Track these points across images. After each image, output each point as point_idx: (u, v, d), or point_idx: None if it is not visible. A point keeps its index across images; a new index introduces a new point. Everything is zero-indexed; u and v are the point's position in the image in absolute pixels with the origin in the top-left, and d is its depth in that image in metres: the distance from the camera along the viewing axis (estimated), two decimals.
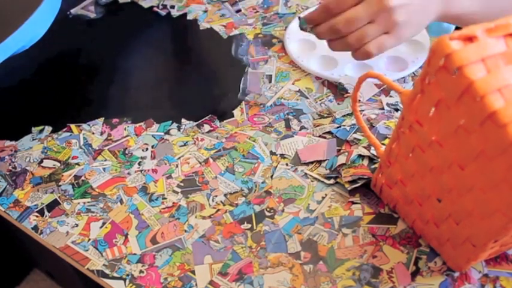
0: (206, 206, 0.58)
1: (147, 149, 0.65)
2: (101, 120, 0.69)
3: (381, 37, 0.60)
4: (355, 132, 0.63)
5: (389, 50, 0.62)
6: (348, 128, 0.64)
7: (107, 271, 0.53)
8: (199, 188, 0.60)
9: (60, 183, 0.62)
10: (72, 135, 0.67)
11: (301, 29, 0.65)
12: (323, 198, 0.58)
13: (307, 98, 0.69)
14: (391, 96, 0.68)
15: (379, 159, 0.58)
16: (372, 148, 0.60)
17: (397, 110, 0.66)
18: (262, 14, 0.84)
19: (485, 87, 0.37)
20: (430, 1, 0.60)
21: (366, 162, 0.60)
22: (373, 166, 0.59)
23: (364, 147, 0.61)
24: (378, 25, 0.59)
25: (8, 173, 0.63)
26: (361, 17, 0.58)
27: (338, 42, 0.62)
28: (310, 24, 0.64)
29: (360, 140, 0.62)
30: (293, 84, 0.72)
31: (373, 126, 0.63)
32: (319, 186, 0.59)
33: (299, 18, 0.65)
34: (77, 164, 0.64)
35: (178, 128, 0.67)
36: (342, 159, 0.60)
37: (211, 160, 0.63)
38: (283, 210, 0.57)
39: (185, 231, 0.56)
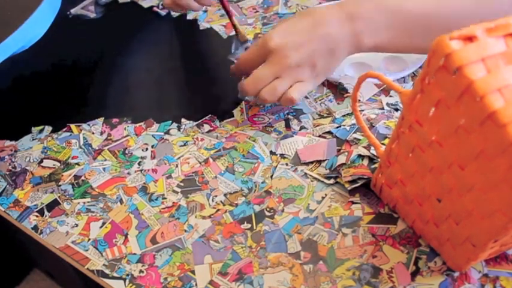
0: (206, 206, 0.58)
1: (147, 149, 0.65)
2: (100, 120, 0.69)
3: (298, 84, 0.61)
4: (355, 132, 0.63)
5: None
6: (347, 128, 0.64)
7: (107, 271, 0.53)
8: (199, 187, 0.60)
9: (60, 183, 0.62)
10: (72, 135, 0.67)
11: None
12: (323, 198, 0.58)
13: (307, 98, 0.69)
14: (391, 96, 0.68)
15: (379, 159, 0.58)
16: (372, 148, 0.60)
17: (397, 110, 0.66)
18: (262, 14, 0.84)
19: (485, 87, 0.37)
20: (335, 48, 0.61)
21: (365, 162, 0.59)
22: (373, 166, 0.59)
23: (364, 147, 0.61)
24: (286, 79, 0.61)
25: (8, 173, 0.63)
26: (265, 76, 0.61)
27: (258, 99, 0.64)
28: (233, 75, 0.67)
29: (359, 139, 0.62)
30: None
31: (373, 126, 0.63)
32: (319, 186, 0.59)
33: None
34: (77, 163, 0.64)
35: (178, 128, 0.67)
36: (341, 159, 0.60)
37: (211, 160, 0.63)
38: (283, 210, 0.57)
39: (185, 231, 0.56)
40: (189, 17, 0.84)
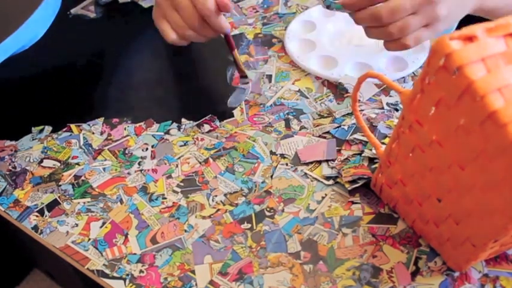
0: (206, 206, 0.58)
1: (147, 149, 0.65)
2: (101, 120, 0.69)
3: (420, 30, 0.59)
4: (354, 133, 0.63)
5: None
6: (346, 128, 0.64)
7: (107, 271, 0.53)
8: (199, 187, 0.60)
9: (60, 183, 0.62)
10: (72, 135, 0.67)
11: (327, 7, 0.64)
12: (323, 198, 0.58)
13: (307, 98, 0.69)
14: (390, 96, 0.68)
15: (379, 159, 0.58)
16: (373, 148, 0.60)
17: (397, 109, 0.66)
18: (262, 14, 0.84)
19: (485, 87, 0.37)
20: None
21: (366, 162, 0.60)
22: (373, 166, 0.59)
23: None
24: (421, 17, 0.58)
25: (8, 173, 0.63)
26: (406, 7, 0.57)
27: (378, 30, 0.60)
28: (350, 8, 0.62)
29: (360, 140, 0.62)
30: (293, 84, 0.72)
31: (374, 126, 0.63)
32: (319, 186, 0.59)
33: None
34: (77, 163, 0.64)
35: (178, 128, 0.67)
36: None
37: (211, 160, 0.63)
38: (283, 210, 0.57)
39: (185, 231, 0.56)
40: None
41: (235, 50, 0.69)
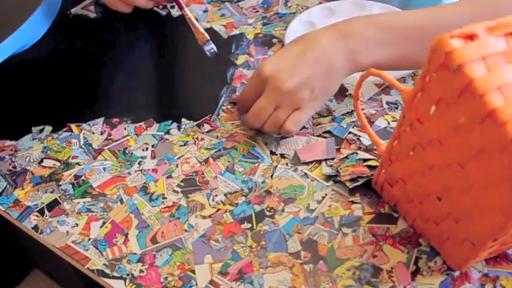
0: (206, 206, 0.58)
1: (147, 149, 0.65)
2: (101, 120, 0.69)
3: (294, 114, 0.60)
4: (352, 128, 0.63)
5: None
6: (344, 126, 0.64)
7: (107, 271, 0.53)
8: (199, 187, 0.60)
9: (60, 183, 0.62)
10: (72, 134, 0.67)
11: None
12: (323, 197, 0.58)
13: None
14: (390, 95, 0.68)
15: (380, 158, 0.58)
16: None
17: (397, 108, 0.66)
18: (262, 14, 0.84)
19: (485, 85, 0.37)
20: (331, 69, 0.59)
21: (362, 160, 0.60)
22: (373, 165, 0.59)
23: (365, 150, 0.61)
24: (285, 108, 0.60)
25: (8, 173, 0.63)
26: (265, 107, 0.60)
27: (263, 130, 0.63)
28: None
29: (359, 136, 0.62)
30: None
31: (372, 122, 0.63)
32: (319, 185, 0.59)
33: None
34: (77, 163, 0.64)
35: (179, 128, 0.67)
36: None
37: (211, 160, 0.63)
38: (283, 210, 0.57)
39: (185, 230, 0.56)
40: None
41: (185, 9, 0.66)
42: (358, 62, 0.60)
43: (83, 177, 0.62)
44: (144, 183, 0.61)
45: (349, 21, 0.61)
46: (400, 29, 0.60)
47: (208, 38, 0.69)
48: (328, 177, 0.60)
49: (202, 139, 0.65)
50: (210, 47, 0.69)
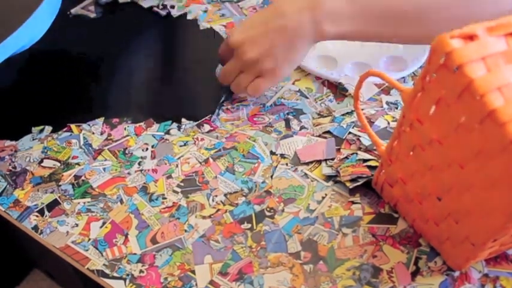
0: (206, 206, 0.58)
1: (147, 149, 0.65)
2: (101, 120, 0.69)
3: (255, 81, 0.64)
4: (352, 128, 0.63)
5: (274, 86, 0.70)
6: (344, 126, 0.64)
7: (107, 271, 0.53)
8: (199, 187, 0.60)
9: (60, 183, 0.62)
10: (72, 135, 0.67)
11: None
12: (323, 198, 0.58)
13: (307, 98, 0.69)
14: (390, 95, 0.68)
15: (380, 158, 0.58)
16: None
17: (397, 108, 0.66)
18: None
19: (485, 85, 0.37)
20: (295, 38, 0.61)
21: (362, 160, 0.59)
22: (373, 165, 0.59)
23: (364, 150, 0.61)
24: (247, 74, 0.64)
25: (8, 173, 0.63)
26: (231, 70, 0.66)
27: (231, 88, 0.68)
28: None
29: (359, 136, 0.62)
30: (293, 84, 0.72)
31: (372, 122, 0.63)
32: (319, 186, 0.59)
33: None
34: (77, 163, 0.64)
35: (178, 128, 0.67)
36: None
37: (211, 160, 0.63)
38: (283, 210, 0.57)
39: (185, 231, 0.56)
40: (189, 17, 0.84)
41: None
42: (324, 32, 0.60)
43: (82, 178, 0.62)
44: (144, 183, 0.61)
45: None
46: (372, 5, 0.60)
47: None
48: (328, 178, 0.60)
49: (202, 139, 0.65)
50: None
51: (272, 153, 0.63)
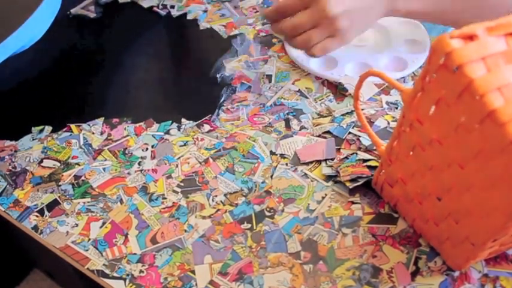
0: (206, 206, 0.58)
1: (147, 149, 0.65)
2: (101, 120, 0.69)
3: (325, 40, 0.64)
4: (352, 128, 0.63)
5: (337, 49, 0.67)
6: (344, 126, 0.64)
7: (107, 271, 0.53)
8: (199, 187, 0.60)
9: (60, 183, 0.62)
10: (72, 135, 0.67)
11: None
12: (323, 198, 0.58)
13: (307, 98, 0.69)
14: (390, 95, 0.68)
15: (380, 158, 0.58)
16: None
17: (397, 108, 0.66)
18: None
19: (485, 85, 0.37)
20: (373, 4, 0.63)
21: (362, 161, 0.59)
22: (368, 164, 0.59)
23: (364, 150, 0.61)
24: (321, 30, 0.63)
25: (8, 173, 0.63)
26: (304, 23, 0.63)
27: (289, 41, 0.67)
28: (267, 20, 0.69)
29: (359, 136, 0.62)
30: (293, 84, 0.72)
31: (372, 122, 0.63)
32: (319, 186, 0.59)
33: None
34: (77, 163, 0.64)
35: (178, 128, 0.67)
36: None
37: (211, 160, 0.63)
38: (283, 210, 0.57)
39: (185, 231, 0.56)
40: (189, 17, 0.84)
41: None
42: (395, 7, 0.63)
43: (82, 178, 0.62)
44: (144, 183, 0.61)
45: None
46: None
47: None
48: (328, 178, 0.60)
49: (202, 139, 0.65)
50: None
51: (272, 153, 0.63)
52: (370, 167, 0.58)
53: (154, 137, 0.66)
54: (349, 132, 0.63)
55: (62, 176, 0.62)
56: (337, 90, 0.70)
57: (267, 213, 0.57)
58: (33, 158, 0.65)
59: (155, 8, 0.87)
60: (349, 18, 0.62)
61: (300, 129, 0.65)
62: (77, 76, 0.77)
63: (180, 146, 0.65)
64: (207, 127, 0.67)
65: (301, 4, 0.63)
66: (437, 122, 0.43)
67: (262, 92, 0.71)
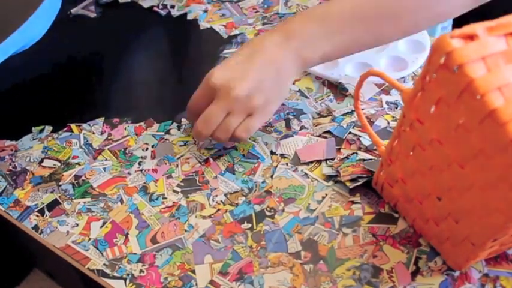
0: (206, 206, 0.58)
1: (147, 149, 0.65)
2: (101, 120, 0.69)
3: (246, 121, 0.59)
4: (352, 128, 0.63)
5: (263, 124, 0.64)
6: (344, 126, 0.64)
7: (107, 271, 0.53)
8: (199, 187, 0.60)
9: (60, 183, 0.62)
10: (72, 135, 0.67)
11: None
12: (323, 198, 0.58)
13: (307, 97, 0.69)
14: (390, 95, 0.68)
15: (380, 158, 0.58)
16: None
17: (397, 108, 0.66)
18: (263, 14, 0.84)
19: (485, 85, 0.37)
20: (280, 70, 0.58)
21: (362, 161, 0.60)
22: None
23: (364, 150, 0.61)
24: (237, 114, 0.58)
25: (8, 173, 0.63)
26: (216, 114, 0.58)
27: (213, 138, 0.61)
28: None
29: (359, 136, 0.62)
30: (293, 84, 0.72)
31: (372, 122, 0.63)
32: (319, 186, 0.59)
33: None
34: (77, 163, 0.64)
35: (179, 128, 0.67)
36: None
37: (211, 160, 0.63)
38: (283, 210, 0.57)
39: (185, 230, 0.56)
40: (189, 17, 0.85)
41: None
42: (306, 58, 0.59)
43: (83, 177, 0.62)
44: (144, 183, 0.61)
45: (289, 20, 0.60)
46: (339, 16, 0.59)
47: None
48: (328, 177, 0.60)
49: None
50: None
51: (272, 153, 0.63)
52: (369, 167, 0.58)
53: (154, 137, 0.66)
54: (350, 132, 0.63)
55: (62, 175, 0.62)
56: (338, 90, 0.70)
57: (267, 213, 0.57)
58: (33, 158, 0.65)
59: (155, 8, 0.87)
60: (262, 92, 0.58)
61: (300, 129, 0.65)
62: (77, 76, 0.77)
63: (180, 145, 0.65)
64: None
65: (204, 98, 0.59)
66: (438, 122, 0.43)
67: None
